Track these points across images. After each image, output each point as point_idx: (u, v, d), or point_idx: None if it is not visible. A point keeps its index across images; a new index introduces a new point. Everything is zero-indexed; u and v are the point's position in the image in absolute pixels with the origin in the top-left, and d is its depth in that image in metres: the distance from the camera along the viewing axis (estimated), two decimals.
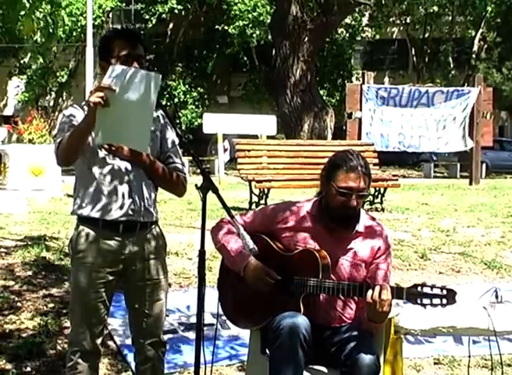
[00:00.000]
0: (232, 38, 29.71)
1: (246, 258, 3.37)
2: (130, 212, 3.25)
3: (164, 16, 30.03)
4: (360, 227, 3.47)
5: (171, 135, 3.39)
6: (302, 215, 3.50)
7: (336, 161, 3.45)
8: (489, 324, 4.12)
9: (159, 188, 3.44)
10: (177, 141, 3.42)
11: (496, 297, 4.42)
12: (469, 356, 4.46)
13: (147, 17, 30.15)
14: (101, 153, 3.24)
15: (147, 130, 3.05)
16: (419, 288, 3.16)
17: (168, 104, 30.18)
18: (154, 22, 30.02)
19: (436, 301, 3.13)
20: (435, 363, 4.96)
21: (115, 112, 2.95)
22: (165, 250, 3.49)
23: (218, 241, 3.53)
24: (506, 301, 4.48)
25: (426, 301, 3.14)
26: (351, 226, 3.45)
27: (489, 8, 30.27)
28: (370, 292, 3.19)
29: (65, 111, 3.35)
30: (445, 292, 3.12)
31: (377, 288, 3.19)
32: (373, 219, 3.62)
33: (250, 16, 28.64)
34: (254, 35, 29.26)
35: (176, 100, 30.34)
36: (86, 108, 3.21)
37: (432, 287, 3.15)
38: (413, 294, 3.16)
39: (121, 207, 3.24)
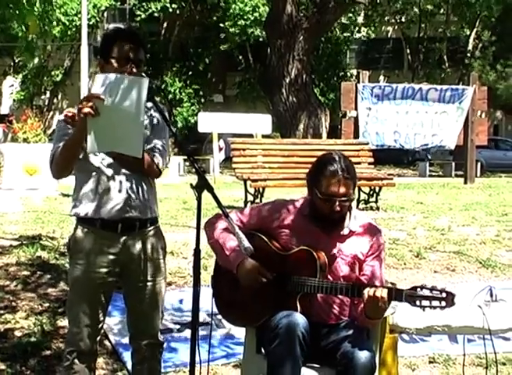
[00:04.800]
0: (231, 37, 29.72)
1: (240, 256, 3.36)
2: (128, 208, 3.25)
3: (156, 14, 30.00)
4: (354, 226, 3.48)
5: (156, 115, 3.33)
6: (297, 214, 3.50)
7: (318, 166, 3.44)
8: (484, 323, 4.13)
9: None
10: (169, 134, 3.38)
11: (491, 295, 4.43)
12: (464, 355, 4.47)
13: (139, 13, 30.12)
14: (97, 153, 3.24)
15: (139, 135, 3.05)
16: (418, 290, 3.15)
17: (163, 101, 30.18)
18: (143, 17, 29.92)
19: (435, 303, 3.12)
20: (430, 362, 4.97)
21: (105, 120, 2.98)
22: (164, 250, 3.48)
23: (212, 237, 3.50)
24: (501, 299, 4.49)
25: (425, 303, 3.13)
26: (339, 226, 3.45)
27: (494, 7, 30.24)
28: (367, 290, 3.20)
29: (62, 115, 3.33)
30: (444, 295, 3.11)
31: (373, 288, 3.20)
32: (366, 217, 3.63)
33: (251, 16, 28.70)
34: (254, 34, 29.32)
35: (171, 97, 30.30)
36: None
37: (432, 289, 3.14)
38: (412, 297, 3.15)
39: (118, 204, 3.24)
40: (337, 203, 3.34)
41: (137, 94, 2.97)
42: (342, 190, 3.34)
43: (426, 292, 3.14)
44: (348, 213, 3.48)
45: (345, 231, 3.46)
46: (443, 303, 3.12)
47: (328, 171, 3.35)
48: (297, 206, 3.53)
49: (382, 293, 3.18)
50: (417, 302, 3.14)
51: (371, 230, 3.52)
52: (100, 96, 2.96)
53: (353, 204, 3.62)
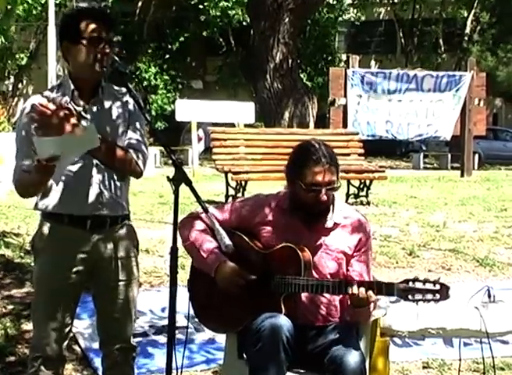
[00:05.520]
0: (211, 20, 29.64)
1: (218, 258, 3.37)
2: (99, 205, 3.25)
3: None
4: (338, 218, 3.49)
5: (131, 102, 3.33)
6: (277, 209, 3.51)
7: (298, 156, 3.46)
8: (481, 325, 4.16)
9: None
10: (144, 122, 3.38)
11: (489, 296, 4.47)
12: (460, 359, 4.50)
13: None
14: None
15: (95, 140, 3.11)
16: (410, 283, 3.19)
17: (137, 88, 30.03)
18: None
19: (429, 296, 3.16)
20: (423, 367, 4.99)
21: (63, 162, 3.07)
22: (137, 248, 3.48)
23: (188, 239, 3.49)
24: (500, 300, 4.53)
25: (418, 296, 3.17)
26: (322, 219, 3.47)
27: None
28: (355, 289, 3.22)
29: (27, 103, 3.31)
30: (438, 287, 3.16)
31: (362, 288, 3.22)
32: (351, 208, 3.67)
33: None
34: (236, 16, 29.25)
35: (146, 83, 30.19)
36: (51, 96, 3.21)
37: (425, 281, 3.18)
38: (404, 290, 3.19)
39: (88, 200, 3.23)
40: (323, 192, 3.36)
41: (89, 139, 3.07)
42: (327, 178, 3.37)
43: (419, 285, 3.17)
44: (331, 205, 3.50)
45: (329, 224, 3.48)
46: (437, 296, 3.15)
47: (311, 160, 3.38)
48: (276, 201, 3.55)
49: (369, 294, 3.21)
50: (410, 296, 3.18)
51: (358, 222, 3.54)
52: (52, 158, 2.97)
53: (342, 197, 3.64)
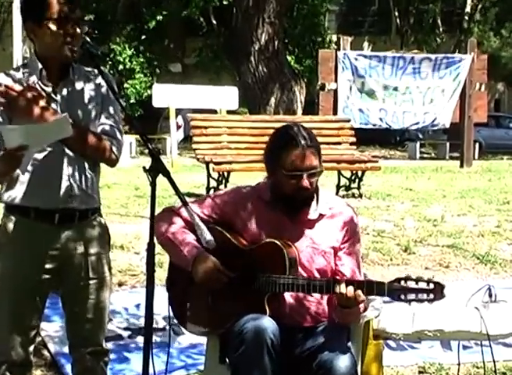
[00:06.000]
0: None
1: (195, 251, 3.37)
2: (68, 198, 3.23)
3: None
4: (323, 209, 3.50)
5: (104, 85, 3.32)
6: (258, 201, 3.52)
7: (276, 142, 3.46)
8: (482, 327, 4.17)
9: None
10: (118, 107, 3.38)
11: (490, 295, 4.48)
12: (458, 364, 4.52)
13: None
14: None
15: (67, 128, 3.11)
16: (402, 282, 3.20)
17: (112, 72, 29.94)
18: None
19: (422, 296, 3.17)
20: (420, 372, 5.01)
21: (32, 151, 3.09)
22: (108, 243, 3.48)
23: (163, 234, 3.48)
24: (502, 300, 4.54)
25: (411, 296, 3.18)
26: (306, 210, 3.48)
27: None
28: (343, 288, 3.23)
29: None
30: (432, 286, 3.17)
31: (349, 286, 3.24)
32: (336, 197, 3.68)
33: None
34: None
35: (121, 67, 30.08)
36: (17, 77, 3.19)
37: (417, 280, 3.19)
38: (396, 290, 3.20)
39: (57, 193, 3.22)
40: (305, 177, 3.36)
41: (59, 129, 3.07)
42: (307, 162, 3.37)
43: (411, 284, 3.18)
44: (316, 195, 3.50)
45: (313, 215, 3.48)
46: (431, 295, 3.17)
47: (289, 144, 3.38)
48: (257, 193, 3.55)
49: (358, 294, 3.22)
50: (402, 296, 3.19)
51: (344, 212, 3.55)
52: (22, 147, 2.98)
53: (332, 189, 3.65)
